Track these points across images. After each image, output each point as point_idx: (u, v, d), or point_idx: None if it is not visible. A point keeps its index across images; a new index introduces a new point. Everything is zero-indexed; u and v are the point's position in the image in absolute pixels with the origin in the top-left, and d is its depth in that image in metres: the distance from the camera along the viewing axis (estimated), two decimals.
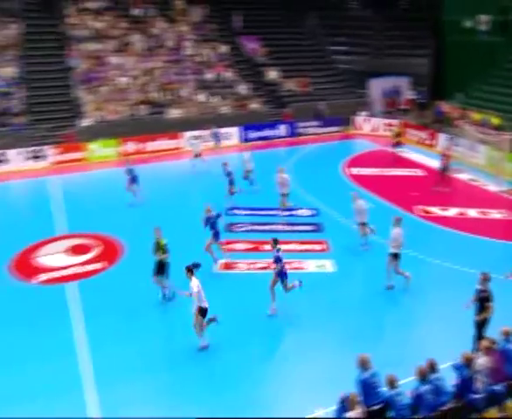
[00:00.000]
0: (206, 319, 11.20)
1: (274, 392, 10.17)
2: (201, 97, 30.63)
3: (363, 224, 15.52)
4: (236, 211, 18.87)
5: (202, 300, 11.02)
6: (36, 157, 25.38)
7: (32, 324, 12.35)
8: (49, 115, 27.22)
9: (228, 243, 16.06)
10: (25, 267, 15.27)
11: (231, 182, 19.17)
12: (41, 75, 28.98)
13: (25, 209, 20.94)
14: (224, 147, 26.72)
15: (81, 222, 18.22)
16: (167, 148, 27.16)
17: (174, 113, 29.31)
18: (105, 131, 26.70)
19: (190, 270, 11.14)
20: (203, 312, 11.03)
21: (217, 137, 25.35)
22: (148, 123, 28.01)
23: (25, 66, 29.19)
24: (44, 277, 14.64)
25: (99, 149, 26.25)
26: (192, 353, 11.18)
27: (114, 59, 30.76)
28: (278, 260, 12.23)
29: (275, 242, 12.50)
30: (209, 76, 31.92)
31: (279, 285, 12.36)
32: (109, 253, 16.06)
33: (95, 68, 30.03)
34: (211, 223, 14.74)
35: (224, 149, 25.85)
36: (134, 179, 19.71)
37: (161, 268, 13.03)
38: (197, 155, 23.76)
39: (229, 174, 19.27)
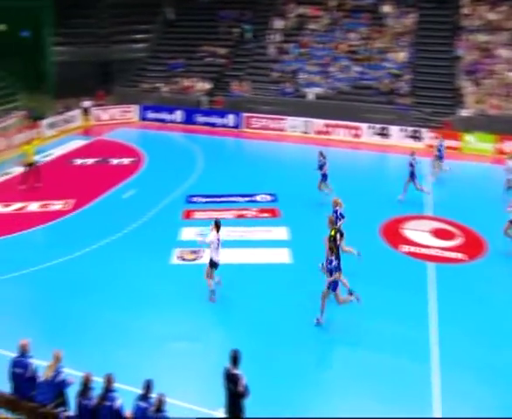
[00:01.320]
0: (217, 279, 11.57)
1: None
2: None
3: None
4: None
5: (214, 253, 11.25)
6: (414, 137, 25.64)
7: (398, 286, 12.65)
8: (430, 100, 26.92)
9: None
10: (393, 235, 15.67)
11: (413, 175, 17.57)
12: (428, 61, 28.71)
13: (395, 181, 21.29)
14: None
15: (448, 208, 17.53)
16: None
17: None
18: (483, 124, 24.70)
19: (217, 224, 11.38)
20: (212, 263, 11.33)
21: (440, 156, 20.67)
22: None
23: (415, 52, 29.41)
24: (407, 248, 14.75)
25: (474, 142, 24.60)
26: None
27: (503, 52, 27.93)
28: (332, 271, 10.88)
29: (332, 250, 11.13)
30: None
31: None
32: (471, 247, 15.05)
33: (482, 60, 27.96)
34: (336, 217, 13.06)
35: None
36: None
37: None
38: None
39: (411, 165, 17.61)
